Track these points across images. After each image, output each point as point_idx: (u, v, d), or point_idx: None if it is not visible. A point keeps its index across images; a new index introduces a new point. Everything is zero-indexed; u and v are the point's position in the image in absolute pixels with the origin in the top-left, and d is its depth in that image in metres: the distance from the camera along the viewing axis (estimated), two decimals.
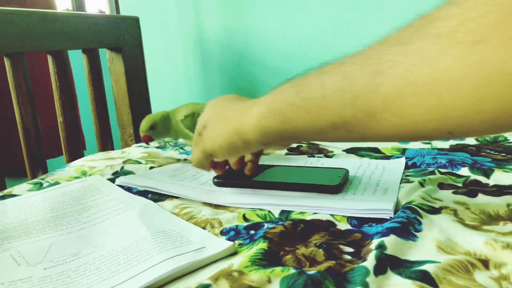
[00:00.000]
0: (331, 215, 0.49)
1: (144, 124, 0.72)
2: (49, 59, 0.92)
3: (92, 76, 1.02)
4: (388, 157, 0.74)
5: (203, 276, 0.38)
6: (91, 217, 0.54)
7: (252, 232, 0.46)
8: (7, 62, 0.82)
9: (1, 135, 1.15)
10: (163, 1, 1.40)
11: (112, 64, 1.09)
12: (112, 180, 0.68)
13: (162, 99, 1.45)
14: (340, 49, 1.16)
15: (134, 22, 1.12)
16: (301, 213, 0.50)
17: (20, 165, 0.94)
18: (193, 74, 1.42)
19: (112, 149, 1.10)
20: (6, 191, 0.66)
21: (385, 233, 0.41)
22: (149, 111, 1.19)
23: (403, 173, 0.63)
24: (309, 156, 0.78)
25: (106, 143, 1.08)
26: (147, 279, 0.37)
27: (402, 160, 0.70)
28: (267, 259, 0.39)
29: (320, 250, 0.41)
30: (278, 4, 1.21)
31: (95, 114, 1.04)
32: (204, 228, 0.49)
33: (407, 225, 0.43)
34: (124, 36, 1.08)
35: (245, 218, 0.51)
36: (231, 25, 1.29)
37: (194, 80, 1.42)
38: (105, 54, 1.09)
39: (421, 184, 0.56)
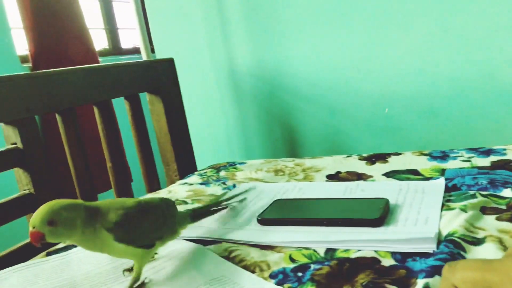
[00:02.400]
0: (374, 251, 0.51)
1: (39, 216, 0.46)
2: (95, 110, 0.99)
3: (135, 120, 1.09)
4: (427, 179, 0.75)
5: None
6: (147, 266, 0.57)
7: (300, 274, 0.49)
8: (59, 119, 0.89)
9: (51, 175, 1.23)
10: (194, 38, 1.46)
11: (152, 106, 1.15)
12: None
13: (201, 133, 1.50)
14: (370, 71, 1.17)
15: (169, 64, 1.18)
16: (346, 250, 0.52)
17: None
18: (229, 106, 1.46)
19: (158, 184, 1.15)
20: None
21: (429, 273, 0.42)
22: (190, 147, 1.24)
23: (443, 197, 0.64)
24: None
25: (152, 181, 1.13)
26: None
27: (442, 182, 0.70)
28: None
29: None
30: (305, 31, 1.24)
31: (140, 156, 1.10)
32: (253, 271, 0.51)
33: None
34: (161, 78, 1.14)
35: (291, 259, 0.53)
36: (261, 56, 1.33)
37: (229, 111, 1.47)
38: (145, 96, 1.16)
39: (463, 210, 0.56)
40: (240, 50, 1.37)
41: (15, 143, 0.79)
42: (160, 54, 1.51)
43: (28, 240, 0.81)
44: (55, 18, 1.96)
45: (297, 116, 1.30)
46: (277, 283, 0.48)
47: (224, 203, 0.70)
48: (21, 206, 0.79)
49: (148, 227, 0.52)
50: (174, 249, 0.61)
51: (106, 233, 0.48)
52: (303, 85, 1.26)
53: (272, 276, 0.50)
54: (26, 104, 0.79)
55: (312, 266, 0.50)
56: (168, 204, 0.57)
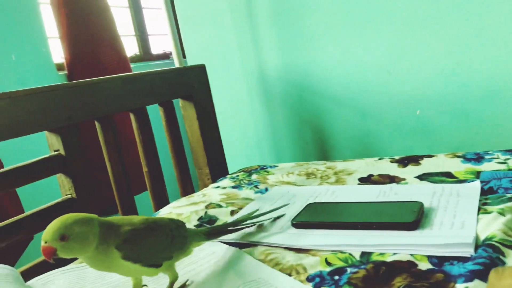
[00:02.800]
0: (410, 254, 0.51)
1: (50, 231, 0.45)
2: (132, 116, 1.02)
3: (170, 125, 1.12)
4: (461, 181, 0.74)
5: None
6: (187, 268, 0.59)
7: (336, 277, 0.49)
8: (97, 125, 0.92)
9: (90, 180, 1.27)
10: (224, 44, 1.49)
11: (185, 111, 1.18)
12: (198, 227, 0.74)
13: (232, 136, 1.52)
14: (401, 73, 1.17)
15: (201, 70, 1.21)
16: (381, 254, 0.53)
17: (109, 205, 1.04)
18: (259, 110, 1.48)
19: (192, 188, 1.18)
20: None
21: (468, 277, 0.42)
22: (222, 151, 1.26)
23: (479, 200, 0.63)
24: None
25: (186, 184, 1.16)
26: None
27: (477, 185, 0.69)
28: None
29: None
30: (334, 33, 1.24)
31: (175, 160, 1.13)
32: (290, 274, 0.52)
33: (490, 266, 0.44)
34: (193, 84, 1.17)
35: (327, 262, 0.54)
36: (290, 59, 1.35)
37: (260, 115, 1.49)
38: (177, 102, 1.19)
39: (500, 214, 0.56)
40: (269, 55, 1.39)
41: (58, 150, 0.83)
42: (191, 60, 1.54)
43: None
44: (88, 27, 2.03)
45: (327, 119, 1.30)
46: (314, 287, 0.49)
47: (248, 222, 0.67)
48: (64, 211, 0.82)
49: (155, 246, 0.51)
50: (211, 251, 0.63)
51: (115, 251, 0.47)
52: (333, 87, 1.27)
53: (309, 279, 0.51)
54: (68, 113, 0.83)
55: (349, 269, 0.51)
56: (177, 225, 0.55)
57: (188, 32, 1.54)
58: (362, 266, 0.50)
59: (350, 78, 1.22)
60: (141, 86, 1.00)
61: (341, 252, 0.56)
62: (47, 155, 0.83)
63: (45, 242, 0.45)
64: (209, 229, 0.60)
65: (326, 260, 0.54)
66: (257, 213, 0.70)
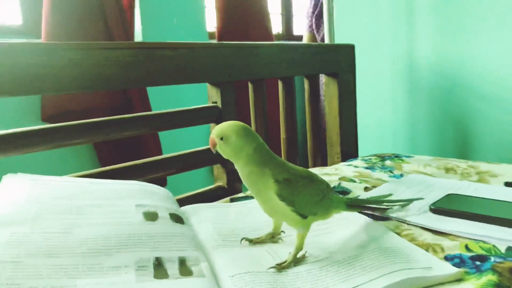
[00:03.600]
0: None
1: (218, 129, 0.52)
2: (280, 84, 1.08)
3: (312, 99, 1.15)
4: None
5: None
6: (322, 225, 0.63)
7: (478, 263, 0.49)
8: (250, 87, 1.00)
9: None
10: (377, 27, 1.47)
11: (327, 88, 1.20)
12: None
13: (368, 120, 1.51)
14: None
15: (350, 50, 1.22)
16: None
17: None
18: (400, 98, 1.45)
19: (321, 163, 1.21)
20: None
21: None
22: (356, 132, 1.26)
23: None
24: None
25: (317, 158, 1.19)
26: (384, 283, 0.43)
27: None
28: None
29: None
30: (496, 30, 1.15)
31: (311, 132, 1.17)
32: (426, 251, 0.53)
33: None
34: (340, 63, 1.19)
35: (467, 248, 0.53)
36: (445, 51, 1.28)
37: (400, 103, 1.45)
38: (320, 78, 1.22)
39: None
40: (422, 43, 1.34)
41: (216, 102, 0.92)
42: (340, 38, 1.55)
43: (212, 187, 0.95)
44: (242, 1, 2.15)
45: (475, 118, 1.22)
46: (453, 266, 0.48)
47: (386, 204, 0.66)
48: (210, 155, 0.91)
49: (309, 197, 0.52)
50: (345, 217, 0.65)
51: (272, 182, 0.50)
52: (488, 87, 1.18)
53: (447, 258, 0.51)
54: (229, 70, 0.91)
55: (492, 258, 0.49)
56: (327, 186, 0.56)
57: (341, 10, 1.55)
58: (509, 259, 0.48)
59: (510, 79, 1.13)
60: (294, 56, 1.05)
61: (484, 242, 0.54)
62: (206, 105, 0.93)
63: (212, 134, 0.52)
64: (351, 200, 0.61)
65: (466, 246, 0.53)
66: (393, 197, 0.70)
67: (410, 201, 0.68)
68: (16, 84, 0.64)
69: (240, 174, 0.53)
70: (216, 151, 0.53)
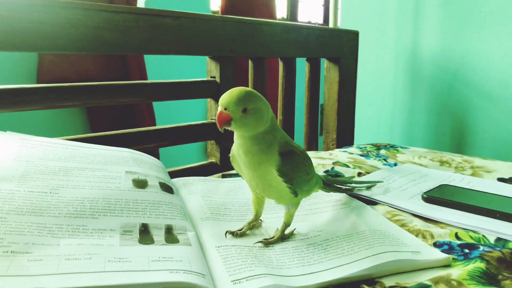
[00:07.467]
0: None
1: (235, 99, 0.44)
2: (280, 64, 1.06)
3: (311, 82, 1.14)
4: None
5: (419, 278, 0.42)
6: (313, 206, 0.62)
7: (467, 250, 0.48)
8: (250, 64, 0.98)
9: None
10: (382, 16, 1.45)
11: (328, 73, 1.19)
12: None
13: (365, 109, 1.50)
14: None
15: (354, 36, 1.20)
16: None
17: None
18: (400, 89, 1.44)
19: (317, 148, 1.20)
20: None
21: None
22: (353, 120, 1.25)
23: None
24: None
25: (312, 143, 1.18)
26: (370, 264, 0.43)
27: None
28: (485, 279, 0.41)
29: None
30: (502, 27, 1.14)
31: (307, 117, 1.16)
32: (416, 236, 0.52)
33: None
34: (343, 48, 1.17)
35: (457, 237, 0.52)
36: (449, 44, 1.27)
37: (400, 94, 1.44)
38: (321, 63, 1.20)
39: None
40: (427, 35, 1.32)
41: (214, 77, 0.91)
42: (344, 24, 1.53)
43: (204, 162, 0.93)
44: None
45: (473, 114, 1.22)
46: (442, 252, 0.48)
47: (354, 185, 0.68)
48: (203, 131, 0.90)
49: (304, 175, 0.51)
50: (337, 198, 0.65)
51: (276, 154, 0.47)
52: (490, 83, 1.17)
53: (436, 245, 0.50)
54: (230, 45, 0.89)
55: (482, 247, 0.49)
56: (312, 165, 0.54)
57: None
58: (497, 249, 0.48)
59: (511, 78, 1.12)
60: (297, 37, 1.04)
61: (474, 232, 0.54)
62: (204, 79, 0.91)
63: (225, 109, 0.44)
64: (327, 179, 0.62)
65: (456, 234, 0.53)
66: (384, 185, 0.72)
67: (374, 183, 0.71)
68: (11, 39, 0.62)
69: (245, 146, 0.47)
70: (224, 129, 0.45)
